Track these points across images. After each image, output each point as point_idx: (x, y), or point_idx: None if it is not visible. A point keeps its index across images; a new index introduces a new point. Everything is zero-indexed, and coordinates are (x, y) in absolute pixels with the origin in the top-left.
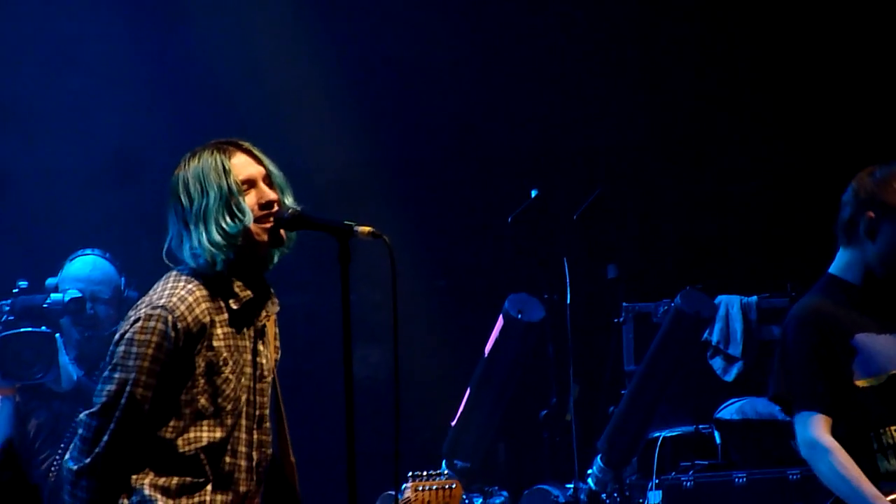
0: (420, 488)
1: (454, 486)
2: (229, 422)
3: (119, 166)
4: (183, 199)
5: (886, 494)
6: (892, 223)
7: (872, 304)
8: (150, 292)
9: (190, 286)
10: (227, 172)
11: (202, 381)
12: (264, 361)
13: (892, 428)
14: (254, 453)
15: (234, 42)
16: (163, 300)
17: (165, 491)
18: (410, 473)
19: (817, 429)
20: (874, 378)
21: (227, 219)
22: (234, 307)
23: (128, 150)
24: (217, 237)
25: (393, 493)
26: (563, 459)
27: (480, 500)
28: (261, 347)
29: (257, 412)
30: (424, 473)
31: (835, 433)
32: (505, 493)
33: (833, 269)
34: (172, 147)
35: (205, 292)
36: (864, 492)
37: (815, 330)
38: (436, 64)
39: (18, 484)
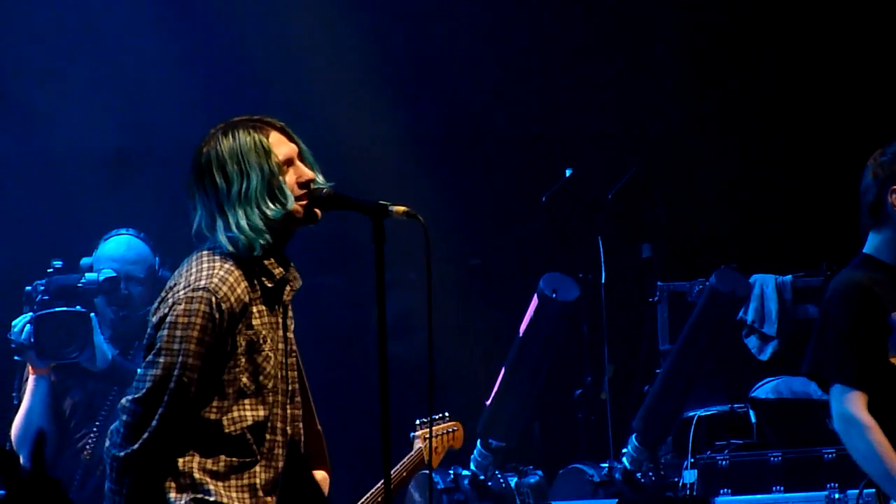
0: (428, 436)
1: (456, 428)
2: (270, 399)
3: (148, 146)
4: (217, 179)
5: None
6: None
7: None
8: (184, 273)
9: (227, 266)
10: (268, 153)
11: (243, 360)
12: (292, 336)
13: None
14: (288, 429)
15: (264, 18)
16: (203, 281)
17: (215, 474)
18: (418, 422)
19: (854, 404)
20: None
21: (270, 203)
22: (269, 285)
23: (158, 129)
24: (259, 222)
25: (427, 471)
26: (597, 439)
27: (515, 480)
28: (289, 322)
29: (290, 387)
30: (428, 419)
31: (870, 410)
32: (540, 473)
33: (867, 249)
34: (204, 122)
35: (241, 272)
36: None
37: (855, 304)
38: (472, 41)
39: (39, 479)
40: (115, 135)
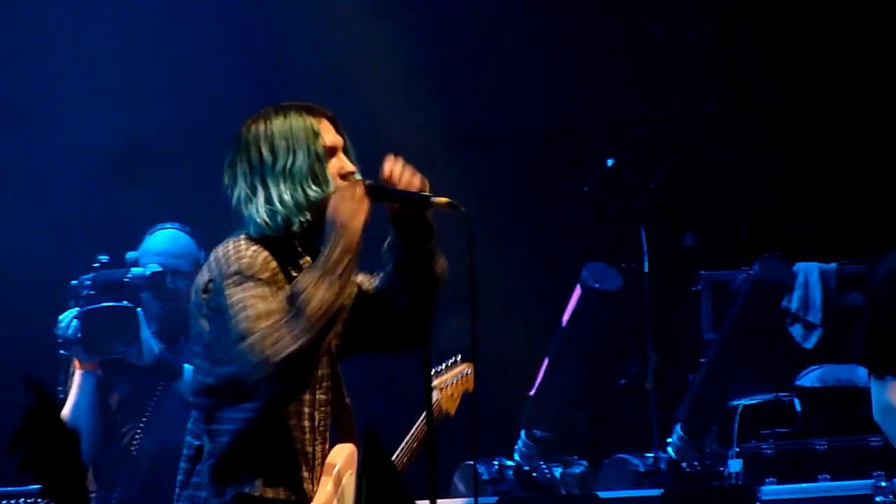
0: (443, 385)
1: (468, 371)
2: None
3: (193, 139)
4: (264, 152)
5: None
6: None
7: None
8: (213, 262)
9: (255, 247)
10: (316, 136)
11: None
12: None
13: None
14: (315, 413)
15: (302, 12)
16: (233, 265)
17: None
18: (433, 370)
19: (893, 393)
20: None
21: (312, 184)
22: (294, 273)
23: (201, 125)
24: (301, 199)
25: (471, 462)
26: (642, 428)
27: (560, 470)
28: None
29: (320, 372)
30: (443, 367)
31: None
32: (584, 463)
33: None
34: (247, 114)
35: (269, 253)
36: None
37: (892, 291)
38: (512, 31)
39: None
40: (157, 129)
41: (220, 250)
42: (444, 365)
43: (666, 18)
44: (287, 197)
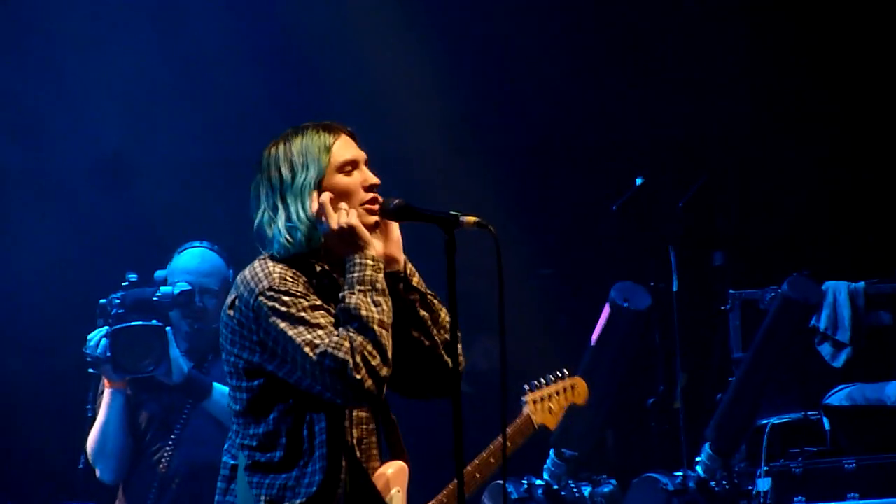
0: (538, 399)
1: (576, 385)
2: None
3: (227, 159)
4: (284, 172)
5: None
6: None
7: None
8: (244, 277)
9: (280, 267)
10: (328, 151)
11: None
12: None
13: None
14: (355, 430)
15: (329, 28)
16: (263, 282)
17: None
18: (527, 386)
19: None
20: None
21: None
22: (322, 293)
23: (235, 145)
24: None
25: (500, 482)
26: (671, 447)
27: (589, 489)
28: None
29: None
30: (541, 381)
31: None
32: (613, 482)
33: None
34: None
35: (295, 272)
36: None
37: None
38: (540, 50)
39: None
40: (192, 147)
41: (247, 271)
42: (541, 379)
43: (694, 36)
44: (302, 213)
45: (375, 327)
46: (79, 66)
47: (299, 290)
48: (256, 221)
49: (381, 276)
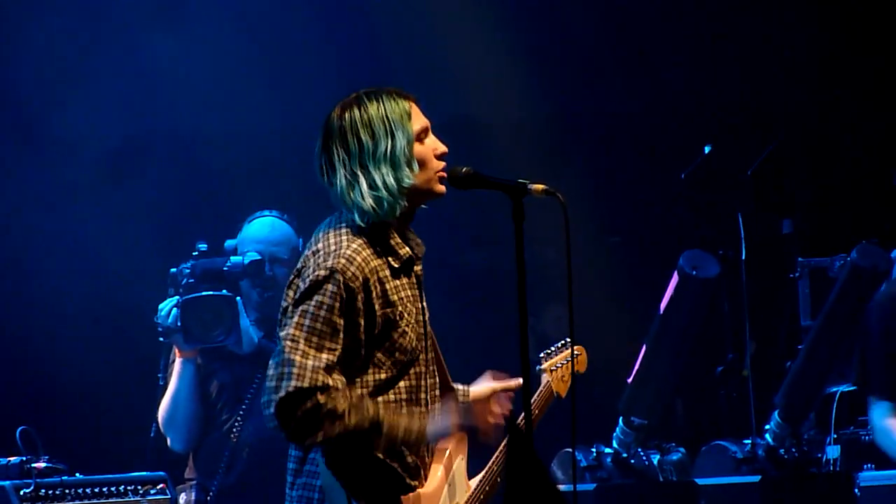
0: (553, 367)
1: (579, 353)
2: (412, 372)
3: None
4: (364, 138)
5: None
6: None
7: None
8: (314, 248)
9: (357, 243)
10: (409, 118)
11: (381, 336)
12: (426, 306)
13: None
14: (429, 397)
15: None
16: (331, 260)
17: None
18: (542, 354)
19: (882, 417)
20: None
21: (412, 167)
22: (395, 264)
23: (302, 112)
24: (404, 181)
25: (570, 450)
26: (740, 415)
27: (658, 457)
28: (423, 294)
29: (429, 356)
30: (552, 349)
31: None
32: (682, 450)
33: None
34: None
35: (371, 250)
36: None
37: (883, 317)
38: (613, 19)
39: None
40: (260, 116)
41: (321, 240)
42: (552, 348)
43: (763, 3)
44: (391, 180)
45: (353, 422)
46: (146, 38)
47: (356, 284)
48: (335, 189)
49: (411, 443)
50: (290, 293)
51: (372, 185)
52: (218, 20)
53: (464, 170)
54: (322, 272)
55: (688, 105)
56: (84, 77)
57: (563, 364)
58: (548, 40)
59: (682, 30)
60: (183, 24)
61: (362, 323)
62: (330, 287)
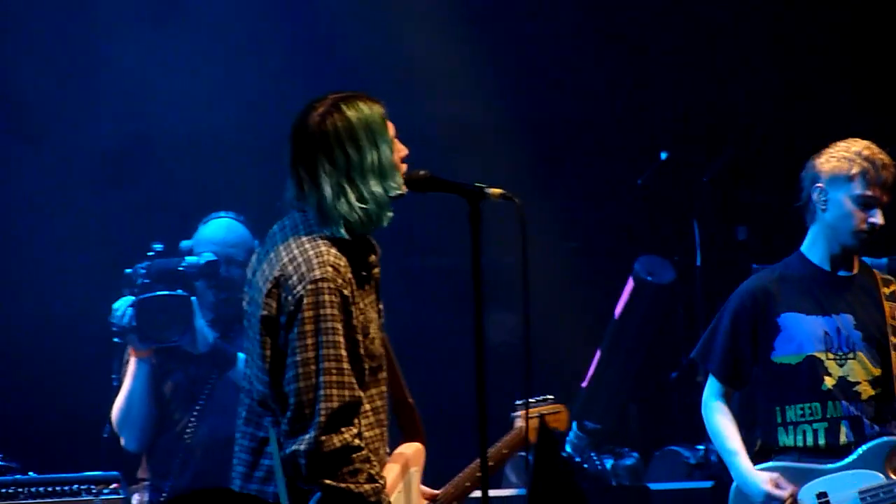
0: (535, 416)
1: (559, 411)
2: (380, 377)
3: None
4: (350, 150)
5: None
6: None
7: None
8: (294, 256)
9: (334, 251)
10: (386, 126)
11: (360, 343)
12: (382, 309)
13: (799, 405)
14: (384, 402)
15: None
16: (317, 271)
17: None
18: (519, 402)
19: (714, 394)
20: (792, 356)
21: (395, 176)
22: (363, 273)
23: (260, 114)
24: (393, 191)
25: (523, 454)
26: (693, 421)
27: (611, 462)
28: (380, 297)
29: (378, 363)
30: (532, 400)
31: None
32: (636, 455)
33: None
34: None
35: (345, 258)
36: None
37: (740, 307)
38: (570, 25)
39: None
40: (216, 117)
41: (295, 250)
42: (534, 399)
43: (720, 13)
44: (380, 191)
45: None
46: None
47: (347, 291)
48: (325, 200)
49: None
50: (272, 302)
51: (360, 198)
52: (180, 20)
53: (421, 173)
54: (311, 286)
55: (645, 111)
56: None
57: (544, 416)
58: (505, 46)
59: (640, 37)
60: (143, 24)
61: (350, 328)
62: (327, 297)
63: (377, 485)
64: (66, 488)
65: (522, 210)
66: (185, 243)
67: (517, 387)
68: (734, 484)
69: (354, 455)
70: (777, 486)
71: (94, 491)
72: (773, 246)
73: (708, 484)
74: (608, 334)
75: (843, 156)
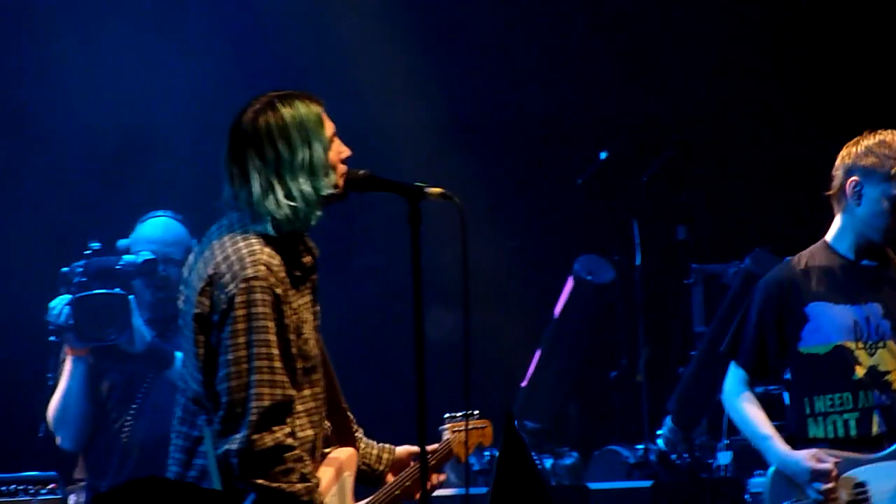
0: (457, 430)
1: (486, 426)
2: (314, 378)
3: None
4: (280, 146)
5: None
6: None
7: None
8: (227, 254)
9: (268, 249)
10: (323, 124)
11: (292, 343)
12: (318, 311)
13: (828, 396)
14: (318, 404)
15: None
16: (249, 270)
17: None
18: (446, 416)
19: (737, 382)
20: (821, 347)
21: (328, 175)
22: (298, 273)
23: (199, 112)
24: (324, 191)
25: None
26: (633, 420)
27: (551, 461)
28: (317, 299)
29: (313, 364)
30: (458, 415)
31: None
32: (575, 454)
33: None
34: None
35: (279, 256)
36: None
37: (766, 297)
38: (509, 24)
39: None
40: (152, 114)
41: (229, 248)
42: (460, 413)
43: (661, 13)
44: (308, 189)
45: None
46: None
47: (279, 290)
48: (252, 196)
49: None
50: (206, 300)
51: (288, 195)
52: (122, 19)
53: (361, 172)
54: (243, 284)
55: (584, 111)
56: None
57: (468, 430)
58: (446, 45)
59: (582, 36)
60: (81, 21)
61: (282, 328)
62: (259, 296)
63: (310, 484)
64: (3, 489)
65: (462, 209)
66: (122, 242)
67: (455, 386)
68: (771, 469)
69: (287, 454)
70: (819, 460)
71: (31, 491)
72: (713, 245)
73: (648, 483)
74: (548, 333)
75: (884, 153)
